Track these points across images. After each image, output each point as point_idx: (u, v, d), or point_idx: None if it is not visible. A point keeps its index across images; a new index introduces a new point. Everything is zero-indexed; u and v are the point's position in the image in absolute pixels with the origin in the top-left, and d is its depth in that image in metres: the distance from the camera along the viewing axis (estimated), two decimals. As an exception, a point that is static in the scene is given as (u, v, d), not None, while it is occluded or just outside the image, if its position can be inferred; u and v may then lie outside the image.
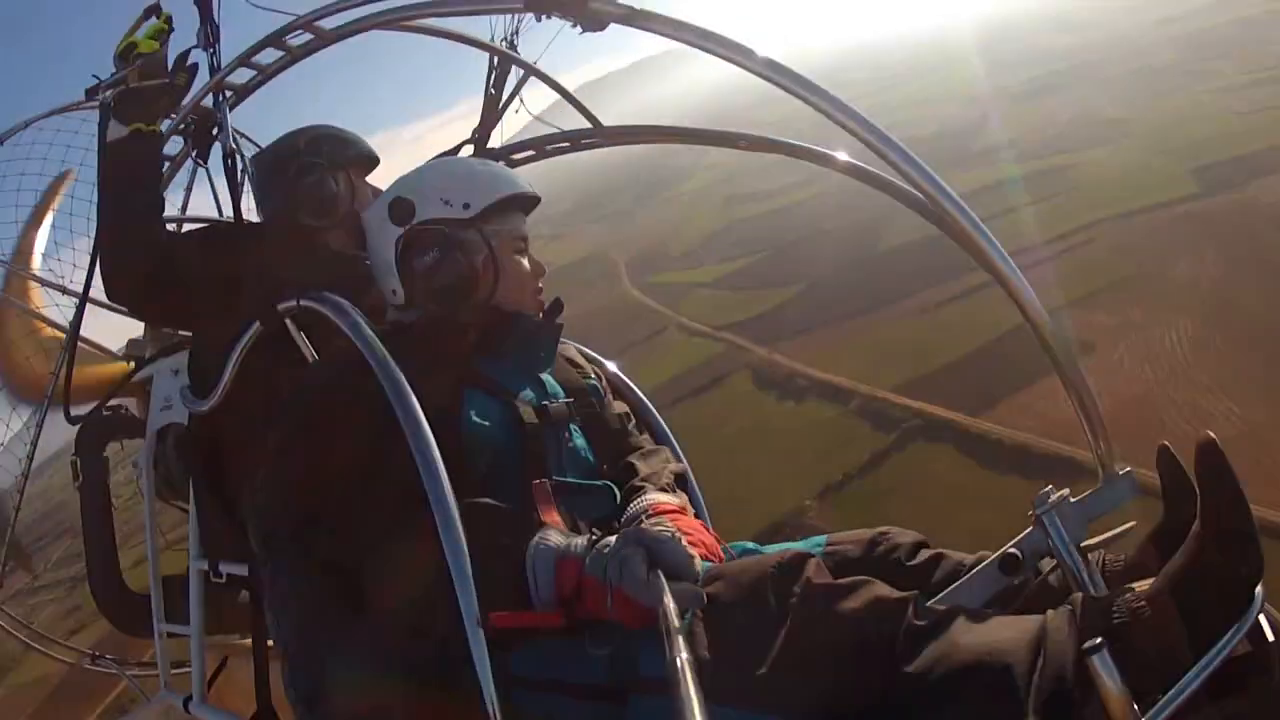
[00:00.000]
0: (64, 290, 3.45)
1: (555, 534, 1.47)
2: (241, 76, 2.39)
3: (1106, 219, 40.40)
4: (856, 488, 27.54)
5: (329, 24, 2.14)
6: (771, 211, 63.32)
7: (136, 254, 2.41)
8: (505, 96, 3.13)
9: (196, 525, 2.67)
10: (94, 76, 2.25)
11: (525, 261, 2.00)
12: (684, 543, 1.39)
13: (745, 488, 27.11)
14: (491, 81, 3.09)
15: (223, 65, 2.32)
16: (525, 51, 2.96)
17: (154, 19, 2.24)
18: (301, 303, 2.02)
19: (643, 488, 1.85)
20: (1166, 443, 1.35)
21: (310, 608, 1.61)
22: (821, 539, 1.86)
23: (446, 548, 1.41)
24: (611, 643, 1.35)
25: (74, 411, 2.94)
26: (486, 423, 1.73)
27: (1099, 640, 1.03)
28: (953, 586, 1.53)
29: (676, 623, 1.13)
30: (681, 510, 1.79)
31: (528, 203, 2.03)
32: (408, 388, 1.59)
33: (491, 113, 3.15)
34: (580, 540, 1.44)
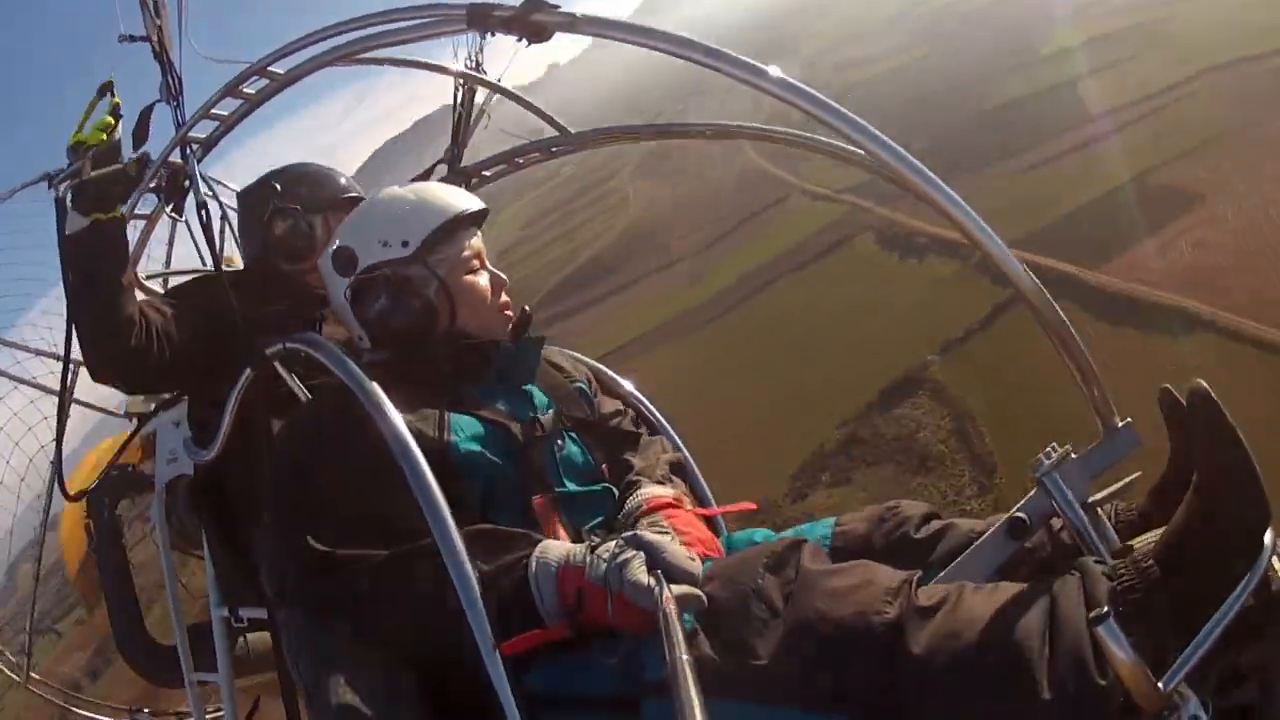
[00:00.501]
0: (57, 358, 3.47)
1: (555, 546, 1.48)
2: (206, 129, 2.38)
3: (1206, 71, 39.58)
4: (978, 342, 28.01)
5: (284, 67, 2.14)
6: (880, 75, 63.35)
7: (112, 343, 2.42)
8: (474, 115, 3.14)
9: (213, 573, 2.69)
10: (47, 174, 2.27)
11: (482, 278, 1.98)
12: (681, 544, 1.39)
13: (872, 345, 28.67)
14: (459, 102, 3.11)
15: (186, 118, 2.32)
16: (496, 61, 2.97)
17: (108, 96, 2.24)
18: (286, 345, 2.05)
19: (638, 482, 1.85)
20: (1168, 385, 1.33)
21: (325, 649, 1.61)
22: (830, 521, 1.86)
23: (454, 576, 1.43)
24: (619, 650, 1.36)
25: (71, 490, 2.98)
26: (477, 447, 1.73)
27: (1105, 610, 1.01)
28: (961, 557, 1.52)
29: (677, 625, 1.14)
30: (678, 503, 1.79)
31: (473, 219, 2.00)
32: (398, 418, 1.61)
33: (462, 133, 3.17)
34: (579, 549, 1.45)
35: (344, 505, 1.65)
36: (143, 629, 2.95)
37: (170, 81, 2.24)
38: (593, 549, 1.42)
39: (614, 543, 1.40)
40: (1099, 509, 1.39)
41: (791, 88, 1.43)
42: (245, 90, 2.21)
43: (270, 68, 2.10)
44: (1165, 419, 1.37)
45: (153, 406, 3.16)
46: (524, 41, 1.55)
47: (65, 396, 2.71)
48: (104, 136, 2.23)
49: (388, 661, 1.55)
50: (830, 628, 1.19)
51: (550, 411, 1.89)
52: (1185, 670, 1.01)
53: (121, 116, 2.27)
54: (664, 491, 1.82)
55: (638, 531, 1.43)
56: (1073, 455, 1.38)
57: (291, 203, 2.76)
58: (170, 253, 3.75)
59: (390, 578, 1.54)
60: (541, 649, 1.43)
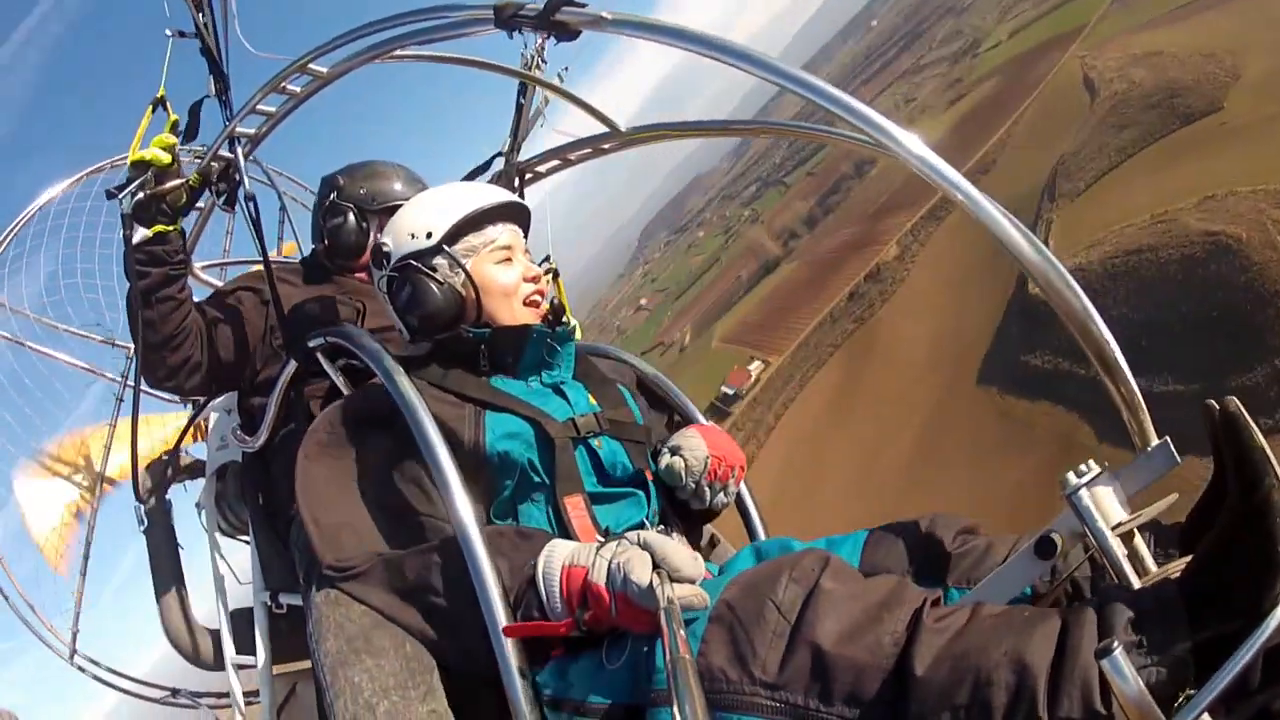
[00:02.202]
0: (112, 344, 3.61)
1: (562, 545, 1.48)
2: (254, 124, 2.45)
3: None
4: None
5: (329, 63, 2.18)
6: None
7: (166, 355, 2.55)
8: (530, 113, 3.18)
9: (257, 559, 2.77)
10: (112, 188, 2.38)
11: (511, 269, 1.99)
12: (685, 544, 1.38)
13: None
14: (521, 94, 3.15)
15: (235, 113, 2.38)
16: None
17: (163, 111, 2.35)
18: (329, 339, 2.10)
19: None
20: (1211, 400, 1.25)
21: (343, 633, 1.64)
22: (864, 533, 1.81)
23: (470, 566, 1.45)
24: (627, 655, 1.34)
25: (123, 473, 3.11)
26: (509, 444, 1.73)
27: (1112, 642, 0.95)
28: (989, 576, 1.46)
29: (679, 624, 1.14)
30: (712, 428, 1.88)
31: (505, 212, 2.01)
32: (427, 412, 1.63)
33: (519, 130, 3.21)
34: (586, 548, 1.44)
35: (372, 495, 1.70)
36: (187, 611, 3.05)
37: (218, 77, 2.29)
38: (598, 548, 1.42)
39: (617, 542, 1.40)
40: (1136, 531, 1.32)
41: (831, 97, 1.37)
42: (291, 87, 2.25)
43: (314, 65, 2.12)
44: (1209, 436, 1.29)
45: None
46: (553, 39, 1.54)
47: (137, 387, 2.82)
48: (168, 158, 2.36)
49: (405, 649, 1.57)
50: (837, 643, 1.16)
51: (590, 413, 1.89)
52: (1200, 711, 0.94)
53: (182, 133, 2.38)
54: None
55: (642, 532, 1.42)
56: (1107, 474, 1.30)
57: (348, 200, 2.82)
58: (228, 244, 3.87)
59: (407, 573, 1.56)
60: (550, 649, 1.45)
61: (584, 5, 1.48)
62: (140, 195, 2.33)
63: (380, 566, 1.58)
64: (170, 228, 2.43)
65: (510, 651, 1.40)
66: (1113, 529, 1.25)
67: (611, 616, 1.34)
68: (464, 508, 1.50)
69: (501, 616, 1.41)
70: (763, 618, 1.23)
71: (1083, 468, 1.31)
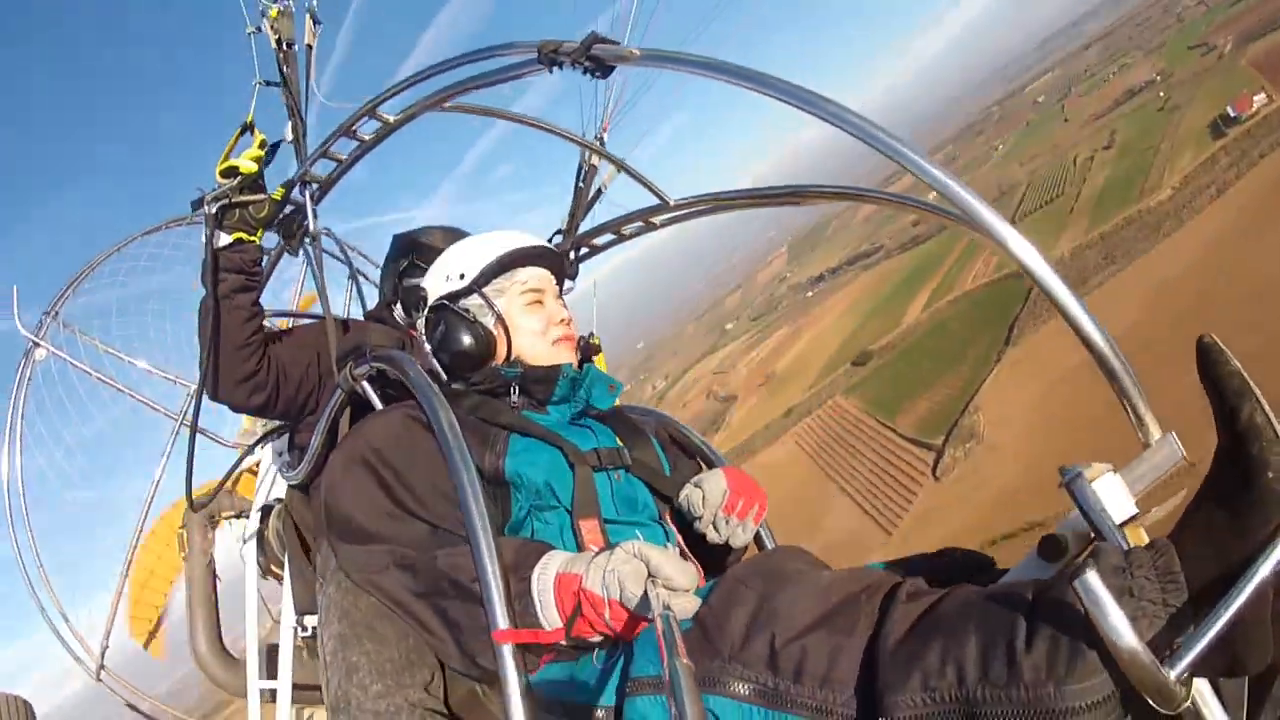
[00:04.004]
0: (175, 381, 3.80)
1: (558, 555, 1.49)
2: (325, 169, 2.62)
3: None
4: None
5: (395, 109, 2.34)
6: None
7: (235, 358, 2.62)
8: (593, 189, 3.34)
9: (290, 587, 2.80)
10: (198, 189, 2.50)
11: (542, 311, 2.05)
12: (679, 554, 1.38)
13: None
14: (581, 176, 3.31)
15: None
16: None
17: (249, 135, 2.53)
18: (372, 364, 2.18)
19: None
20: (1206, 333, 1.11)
21: (350, 621, 1.66)
22: (879, 565, 1.77)
23: (478, 569, 1.45)
24: (616, 658, 1.36)
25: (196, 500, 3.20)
26: (533, 465, 1.77)
27: (1083, 566, 0.91)
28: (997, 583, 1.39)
29: (675, 632, 1.13)
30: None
31: (536, 257, 2.09)
32: (452, 420, 1.67)
33: (580, 203, 3.36)
34: (581, 557, 1.45)
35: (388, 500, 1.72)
36: (219, 638, 3.09)
37: (296, 124, 2.48)
38: (593, 557, 1.43)
39: (611, 552, 1.41)
40: (1140, 529, 1.21)
41: (869, 133, 1.36)
42: (360, 131, 2.41)
43: (378, 110, 2.28)
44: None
45: (258, 435, 3.40)
46: (589, 75, 1.64)
47: (195, 418, 2.94)
48: (255, 167, 2.51)
49: (408, 641, 1.58)
50: (811, 625, 1.15)
51: (613, 448, 1.92)
52: (1195, 654, 0.88)
53: (266, 148, 2.55)
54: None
55: (636, 542, 1.42)
56: (1109, 468, 1.23)
57: (423, 262, 2.98)
58: (296, 293, 4.08)
59: (418, 571, 1.59)
60: (542, 655, 1.47)
61: (617, 43, 1.59)
62: (224, 201, 2.45)
63: (393, 563, 1.61)
64: (251, 238, 2.54)
65: (507, 654, 1.39)
66: (1119, 525, 1.16)
67: (606, 624, 1.35)
68: (478, 515, 1.52)
69: (502, 620, 1.41)
70: (737, 601, 1.24)
71: (1085, 464, 1.23)
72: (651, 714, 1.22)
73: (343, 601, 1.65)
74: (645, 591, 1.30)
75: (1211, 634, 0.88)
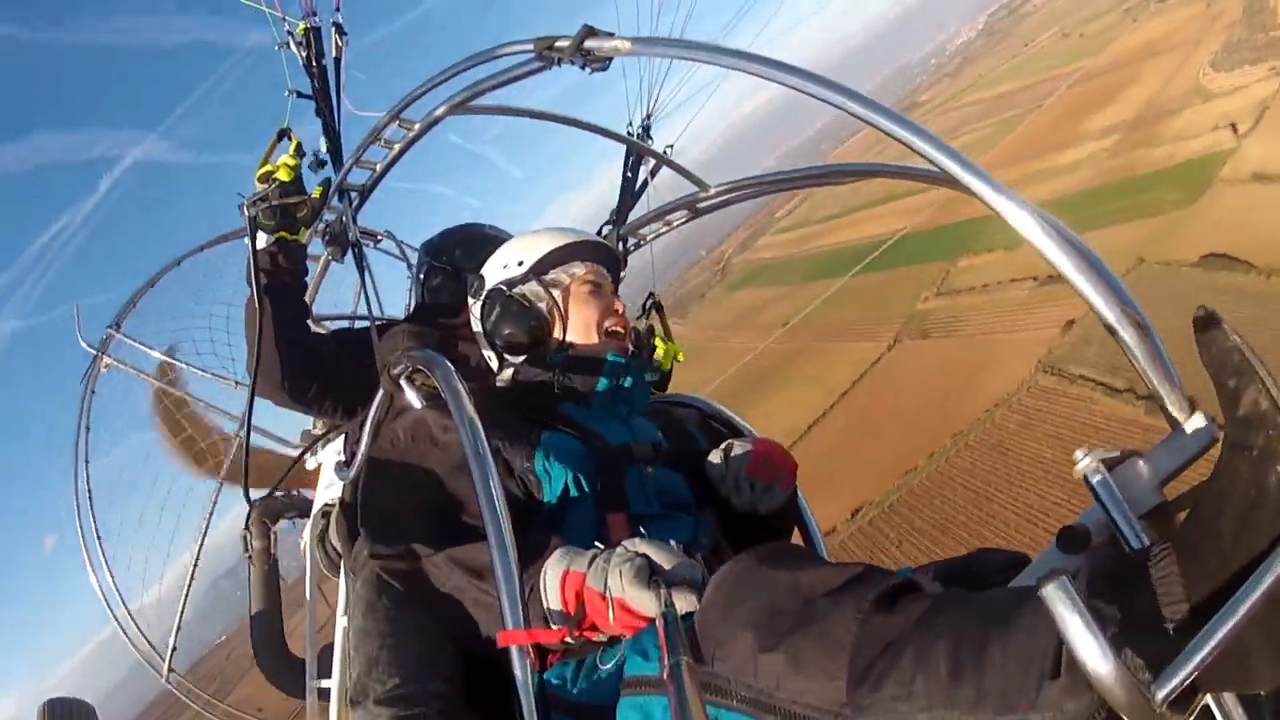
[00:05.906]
0: (236, 384, 3.94)
1: (565, 553, 1.48)
2: (362, 178, 2.70)
3: None
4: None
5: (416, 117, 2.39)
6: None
7: (283, 352, 2.69)
8: (640, 182, 3.35)
9: (345, 588, 2.89)
10: (239, 195, 2.59)
11: (595, 301, 2.09)
12: (682, 551, 1.37)
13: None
14: (628, 167, 3.33)
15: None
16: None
17: (286, 141, 2.61)
18: (409, 364, 2.23)
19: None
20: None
21: (375, 616, 1.71)
22: (907, 569, 1.71)
23: (495, 570, 1.45)
24: (618, 658, 1.35)
25: (252, 494, 3.33)
26: (561, 460, 1.78)
27: (1052, 573, 0.83)
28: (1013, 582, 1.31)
29: (678, 630, 1.14)
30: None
31: (593, 252, 2.14)
32: (478, 422, 1.68)
33: (627, 196, 3.37)
34: (585, 555, 1.45)
35: (420, 502, 1.78)
36: (281, 639, 3.19)
37: (331, 138, 2.55)
38: (595, 555, 1.42)
39: (614, 550, 1.40)
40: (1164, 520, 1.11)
41: (880, 108, 1.33)
42: (388, 138, 2.47)
43: (401, 116, 2.34)
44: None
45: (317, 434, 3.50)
46: (587, 70, 1.63)
47: (249, 418, 3.04)
48: (291, 174, 2.60)
49: (429, 636, 1.60)
50: (798, 603, 1.12)
51: (649, 443, 1.93)
52: (1186, 672, 0.78)
53: (304, 154, 2.64)
54: None
55: (639, 539, 1.41)
56: (1135, 456, 1.11)
57: (446, 261, 3.03)
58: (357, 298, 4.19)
59: (441, 570, 1.61)
60: (551, 653, 1.46)
61: (610, 34, 1.58)
62: (264, 204, 2.53)
63: (419, 560, 1.64)
64: (292, 237, 2.62)
65: (517, 651, 1.38)
66: (1140, 516, 1.06)
67: (609, 623, 1.35)
68: (500, 515, 1.50)
69: (514, 619, 1.41)
70: (722, 603, 1.21)
71: (1103, 450, 1.12)
72: (653, 713, 1.20)
73: (368, 595, 1.69)
74: (647, 590, 1.29)
75: (1208, 648, 0.78)
